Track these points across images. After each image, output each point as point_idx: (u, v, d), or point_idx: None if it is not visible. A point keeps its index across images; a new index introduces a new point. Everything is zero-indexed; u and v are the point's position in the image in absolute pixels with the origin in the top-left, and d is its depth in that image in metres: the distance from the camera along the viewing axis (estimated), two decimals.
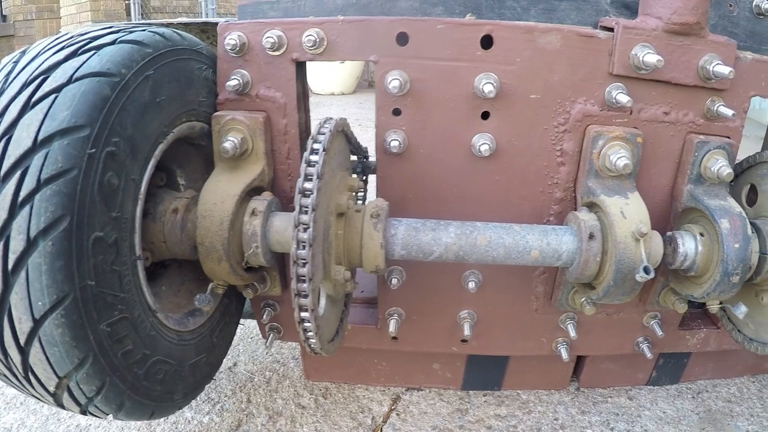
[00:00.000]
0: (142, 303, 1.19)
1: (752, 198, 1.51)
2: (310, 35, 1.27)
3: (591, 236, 1.25)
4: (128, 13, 8.43)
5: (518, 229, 1.28)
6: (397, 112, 1.31)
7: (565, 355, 1.54)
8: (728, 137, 1.39)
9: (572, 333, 1.49)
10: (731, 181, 1.59)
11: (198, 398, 1.62)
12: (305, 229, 1.07)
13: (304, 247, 1.07)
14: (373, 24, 1.27)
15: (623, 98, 1.25)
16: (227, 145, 1.30)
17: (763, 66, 1.38)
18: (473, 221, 1.29)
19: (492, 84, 1.25)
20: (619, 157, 1.27)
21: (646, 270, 1.18)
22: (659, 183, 1.41)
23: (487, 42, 1.26)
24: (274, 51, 1.30)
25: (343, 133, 1.31)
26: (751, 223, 1.44)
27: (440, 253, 1.26)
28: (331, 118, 1.22)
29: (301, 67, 1.35)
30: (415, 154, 1.34)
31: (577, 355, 1.72)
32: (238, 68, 1.33)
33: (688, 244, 1.33)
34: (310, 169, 1.10)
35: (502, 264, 1.27)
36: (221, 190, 1.29)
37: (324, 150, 1.12)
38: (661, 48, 1.26)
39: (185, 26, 1.50)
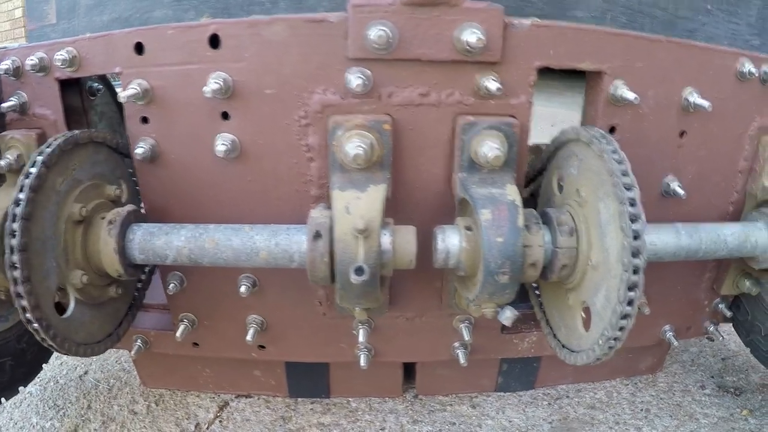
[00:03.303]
0: None
1: None
2: (62, 55, 1.24)
3: (317, 235, 1.09)
4: None
5: (248, 230, 1.15)
6: (145, 120, 1.24)
7: (363, 362, 1.36)
8: (512, 116, 1.18)
9: (361, 338, 1.32)
10: (543, 167, 1.36)
11: (46, 404, 1.61)
12: (14, 236, 1.05)
13: (13, 252, 1.05)
14: (113, 38, 1.22)
15: (357, 82, 1.10)
16: (2, 162, 1.30)
17: (548, 32, 1.14)
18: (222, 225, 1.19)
19: (218, 83, 1.14)
20: (354, 146, 1.11)
21: (357, 270, 1.01)
22: (432, 173, 1.22)
23: (215, 41, 1.17)
24: (38, 72, 1.29)
25: (99, 144, 1.27)
26: (542, 213, 1.21)
27: (174, 256, 1.17)
28: (74, 132, 1.19)
29: (69, 84, 1.33)
30: (168, 161, 1.26)
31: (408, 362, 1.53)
32: (17, 90, 1.33)
33: (450, 240, 1.13)
34: (25, 181, 1.08)
35: (235, 266, 1.16)
36: None
37: (43, 163, 1.10)
38: (403, 23, 1.09)
39: None
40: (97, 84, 1.53)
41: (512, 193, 1.12)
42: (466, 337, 1.32)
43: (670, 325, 1.49)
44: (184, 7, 1.26)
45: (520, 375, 1.56)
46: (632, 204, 1.00)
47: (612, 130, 1.25)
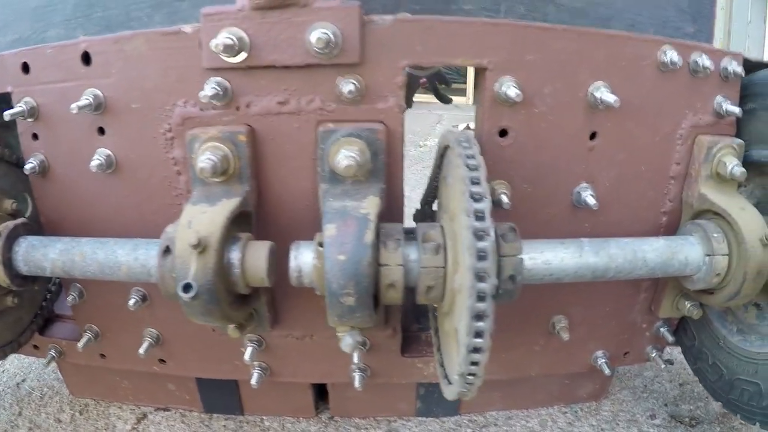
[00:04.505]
0: None
1: None
2: None
3: (167, 250, 1.08)
4: None
5: (112, 244, 1.17)
6: (35, 136, 1.30)
7: (254, 380, 1.33)
8: (380, 121, 1.11)
9: (246, 357, 1.29)
10: (436, 177, 1.25)
11: None
12: None
13: None
14: (4, 58, 1.28)
15: (208, 93, 1.08)
16: None
17: (414, 27, 1.06)
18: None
19: (87, 100, 1.18)
20: (203, 159, 1.09)
21: (184, 288, 0.99)
22: (299, 185, 1.17)
23: (87, 59, 1.20)
24: None
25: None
26: (413, 228, 1.12)
27: (51, 268, 1.20)
28: None
29: None
30: (56, 176, 1.30)
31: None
32: None
33: (302, 258, 1.07)
34: None
35: (102, 279, 1.17)
36: None
37: None
38: (254, 29, 1.06)
39: None
40: None
41: (369, 206, 1.05)
42: (356, 360, 1.26)
43: (603, 351, 1.33)
44: (73, 26, 1.31)
45: (440, 399, 1.46)
46: (480, 218, 0.91)
47: (503, 132, 1.15)
